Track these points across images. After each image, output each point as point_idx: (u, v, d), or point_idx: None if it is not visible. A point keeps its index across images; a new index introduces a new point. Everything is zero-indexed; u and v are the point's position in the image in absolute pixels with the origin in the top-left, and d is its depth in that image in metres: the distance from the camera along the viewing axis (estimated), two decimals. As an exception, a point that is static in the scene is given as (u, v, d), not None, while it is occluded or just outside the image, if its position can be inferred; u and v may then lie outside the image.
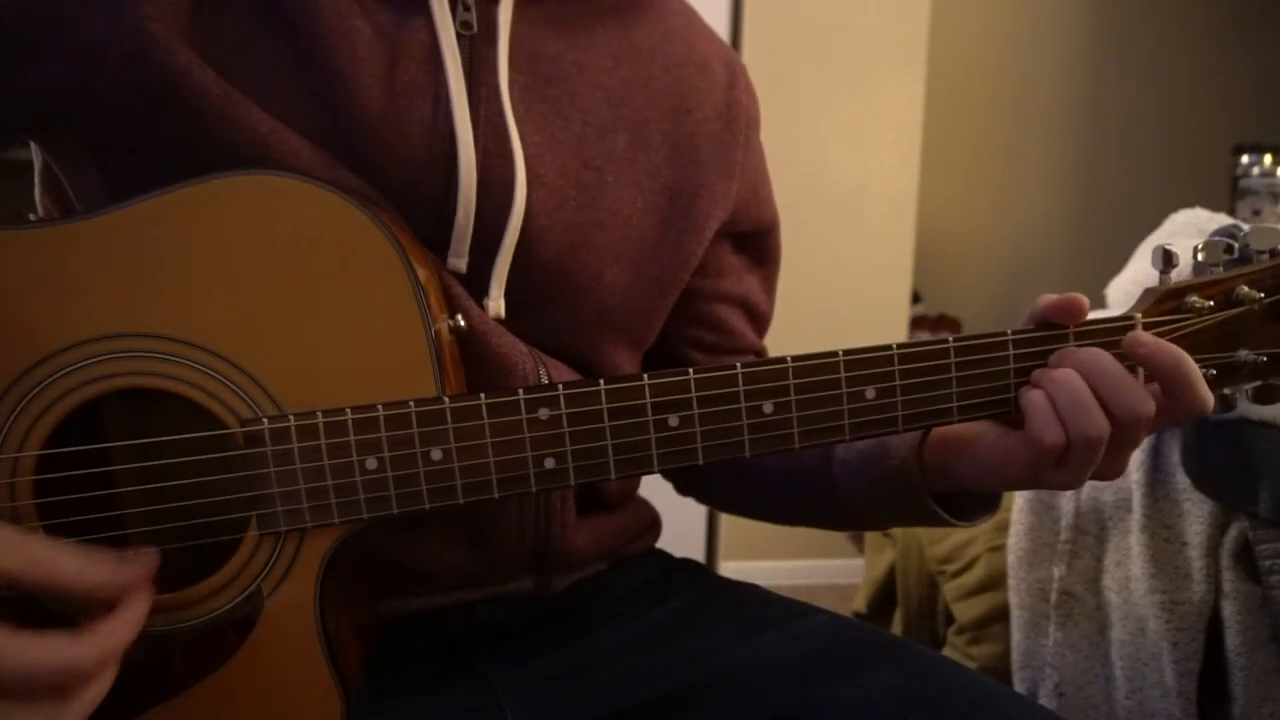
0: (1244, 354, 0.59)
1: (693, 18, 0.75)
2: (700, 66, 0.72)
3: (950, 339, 0.57)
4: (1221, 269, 0.59)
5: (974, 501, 0.65)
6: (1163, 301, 0.59)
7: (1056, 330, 0.58)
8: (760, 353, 0.80)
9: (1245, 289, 0.59)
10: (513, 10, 0.63)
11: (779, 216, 0.79)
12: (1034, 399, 0.56)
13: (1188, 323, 0.59)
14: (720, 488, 0.80)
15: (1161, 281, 0.60)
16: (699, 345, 0.76)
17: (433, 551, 0.64)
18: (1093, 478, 0.58)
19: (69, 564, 0.46)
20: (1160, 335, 0.58)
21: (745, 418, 0.56)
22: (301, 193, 0.53)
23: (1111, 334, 0.58)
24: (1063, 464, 0.57)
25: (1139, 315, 0.59)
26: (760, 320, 0.79)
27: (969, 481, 0.62)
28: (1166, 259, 0.59)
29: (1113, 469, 0.59)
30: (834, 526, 0.76)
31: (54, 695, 0.44)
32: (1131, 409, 0.55)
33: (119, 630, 0.47)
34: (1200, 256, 0.59)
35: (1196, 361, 0.56)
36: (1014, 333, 0.58)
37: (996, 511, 0.65)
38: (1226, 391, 0.60)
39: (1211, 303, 0.59)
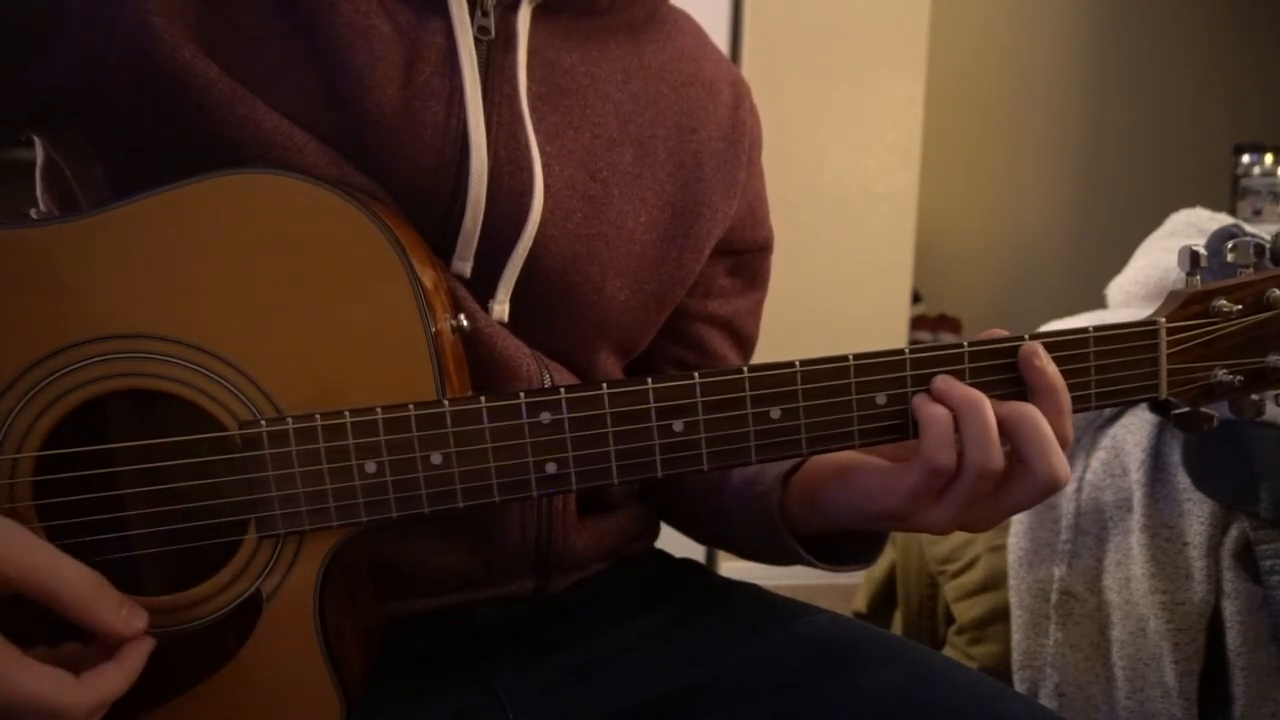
0: (1274, 359, 0.57)
1: (702, 38, 0.75)
2: (707, 86, 0.72)
3: (965, 343, 0.56)
4: (1251, 270, 0.58)
5: (849, 550, 0.63)
6: (1188, 305, 0.57)
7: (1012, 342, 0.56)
8: None
9: (1276, 292, 0.57)
10: (530, 20, 0.63)
11: (774, 239, 0.79)
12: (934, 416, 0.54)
13: (1215, 327, 0.57)
14: (652, 500, 0.78)
15: (1187, 284, 0.58)
16: (681, 364, 0.75)
17: (433, 553, 0.63)
18: (962, 527, 0.56)
19: (71, 587, 0.46)
20: (1187, 340, 0.57)
21: (751, 424, 0.55)
22: (301, 192, 0.52)
23: (1132, 339, 0.57)
24: (943, 495, 0.55)
25: (1163, 320, 0.57)
26: (745, 344, 0.79)
27: (836, 514, 0.59)
28: (1193, 260, 0.57)
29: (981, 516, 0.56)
30: (745, 556, 0.71)
31: None
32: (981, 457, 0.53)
33: (116, 681, 0.47)
34: (1230, 257, 0.58)
35: (1223, 367, 0.55)
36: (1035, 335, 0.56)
37: (872, 563, 0.63)
38: (1255, 397, 0.58)
39: (1240, 306, 0.57)
